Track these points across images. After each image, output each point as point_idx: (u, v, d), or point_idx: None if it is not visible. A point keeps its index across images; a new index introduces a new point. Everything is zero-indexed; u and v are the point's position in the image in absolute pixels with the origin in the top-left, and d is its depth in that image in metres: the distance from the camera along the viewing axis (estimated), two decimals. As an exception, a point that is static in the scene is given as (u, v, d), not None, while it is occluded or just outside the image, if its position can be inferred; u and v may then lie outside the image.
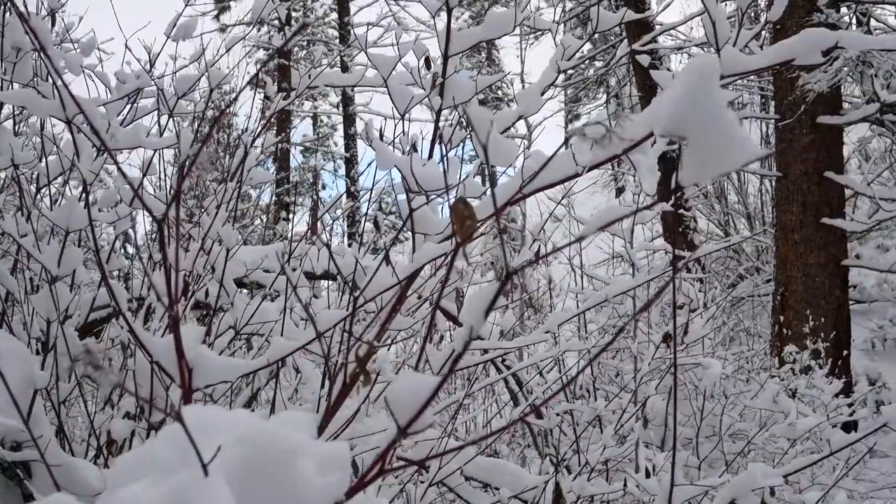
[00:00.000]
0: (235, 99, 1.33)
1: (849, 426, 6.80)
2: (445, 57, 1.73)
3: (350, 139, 16.21)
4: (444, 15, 2.36)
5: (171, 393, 1.71)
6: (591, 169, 1.35)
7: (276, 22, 18.45)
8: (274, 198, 13.94)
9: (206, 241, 1.82)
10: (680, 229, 7.78)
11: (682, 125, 0.58)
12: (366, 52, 1.57)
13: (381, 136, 1.69)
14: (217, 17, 15.34)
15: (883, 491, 4.53)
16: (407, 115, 1.75)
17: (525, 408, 3.22)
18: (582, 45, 2.05)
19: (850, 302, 9.88)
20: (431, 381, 0.60)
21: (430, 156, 1.83)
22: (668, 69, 8.60)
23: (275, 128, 16.35)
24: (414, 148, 1.52)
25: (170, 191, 2.75)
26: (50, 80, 2.02)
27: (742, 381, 4.32)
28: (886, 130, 6.92)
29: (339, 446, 0.70)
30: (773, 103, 7.91)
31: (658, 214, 3.59)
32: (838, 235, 6.78)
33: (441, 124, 1.77)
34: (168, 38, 2.53)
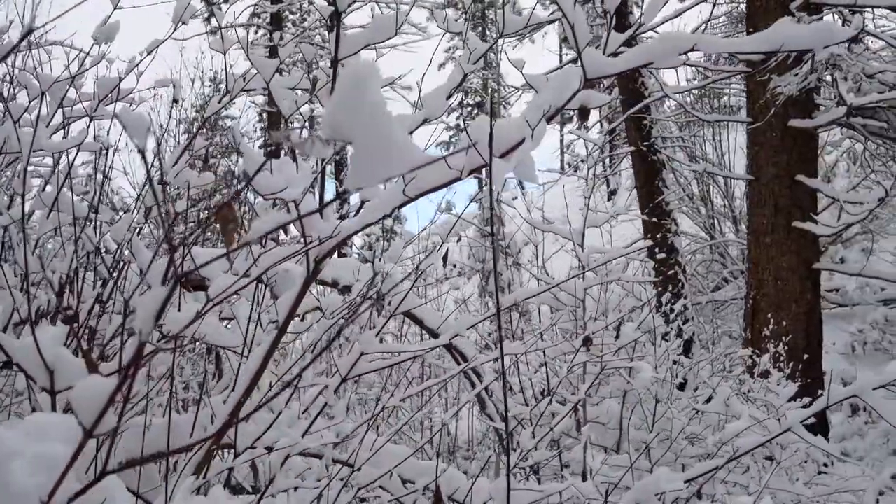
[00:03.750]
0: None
1: (823, 430, 6.78)
2: (335, 62, 1.74)
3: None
4: (441, 19, 2.37)
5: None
6: (469, 174, 1.37)
7: (269, 25, 18.50)
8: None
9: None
10: (655, 234, 7.76)
11: (341, 129, 0.58)
12: (248, 56, 1.57)
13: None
14: (207, 19, 15.36)
15: (846, 495, 4.51)
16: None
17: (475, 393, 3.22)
18: (487, 50, 2.06)
19: (832, 306, 9.85)
20: (110, 384, 0.61)
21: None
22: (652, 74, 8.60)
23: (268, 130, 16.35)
24: (276, 154, 1.52)
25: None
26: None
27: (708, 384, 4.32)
28: (857, 133, 6.91)
29: (53, 449, 0.70)
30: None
31: (608, 220, 3.60)
32: (810, 239, 6.76)
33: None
34: (94, 41, 2.54)
